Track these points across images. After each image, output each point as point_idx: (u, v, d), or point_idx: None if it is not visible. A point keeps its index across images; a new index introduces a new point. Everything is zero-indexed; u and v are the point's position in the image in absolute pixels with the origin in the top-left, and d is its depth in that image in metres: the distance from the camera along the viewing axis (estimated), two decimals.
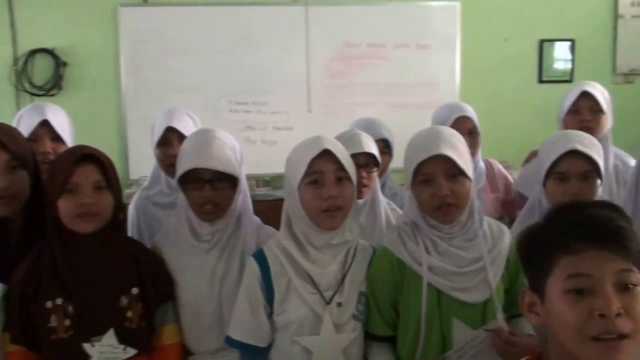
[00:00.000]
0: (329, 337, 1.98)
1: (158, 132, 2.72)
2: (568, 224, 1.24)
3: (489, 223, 2.09)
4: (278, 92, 4.97)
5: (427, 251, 2.01)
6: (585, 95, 2.96)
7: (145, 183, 2.87)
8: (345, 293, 2.01)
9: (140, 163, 4.63)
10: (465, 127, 3.05)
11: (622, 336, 1.16)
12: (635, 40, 5.62)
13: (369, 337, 2.07)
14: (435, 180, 1.97)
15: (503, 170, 3.27)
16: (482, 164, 3.15)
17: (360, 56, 5.06)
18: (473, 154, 3.06)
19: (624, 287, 1.18)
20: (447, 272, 1.98)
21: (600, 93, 2.97)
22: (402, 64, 5.11)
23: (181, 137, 2.65)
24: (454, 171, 1.96)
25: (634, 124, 5.22)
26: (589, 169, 2.19)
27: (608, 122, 2.95)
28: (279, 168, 2.23)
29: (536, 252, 1.28)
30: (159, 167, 2.75)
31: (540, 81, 5.53)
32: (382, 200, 2.60)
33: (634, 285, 1.19)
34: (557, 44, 5.53)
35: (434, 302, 1.97)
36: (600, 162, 2.20)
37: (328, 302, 2.00)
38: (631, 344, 1.17)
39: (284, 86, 4.97)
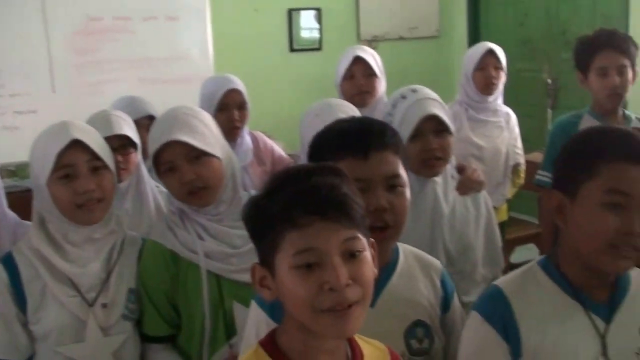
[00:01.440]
0: (96, 343, 1.82)
1: None
2: (291, 196, 1.20)
3: None
4: (16, 73, 4.51)
5: (200, 237, 1.91)
6: (358, 60, 3.06)
7: None
8: (111, 292, 1.87)
9: None
10: (236, 101, 3.00)
11: (352, 304, 1.17)
12: (376, 8, 5.93)
13: (147, 339, 1.94)
14: (179, 167, 1.87)
15: (269, 142, 3.27)
16: (248, 138, 3.12)
17: (105, 30, 4.75)
18: (241, 127, 3.03)
19: (350, 256, 1.18)
20: (224, 255, 1.91)
21: (372, 57, 3.08)
22: (152, 37, 4.89)
23: None
24: (195, 153, 1.87)
25: None
26: None
27: (382, 84, 3.07)
28: (24, 156, 2.01)
29: (262, 226, 1.24)
30: None
31: (292, 50, 5.64)
32: (149, 182, 2.45)
33: (360, 251, 1.19)
34: (305, 13, 5.66)
35: (215, 290, 1.89)
36: None
37: (91, 305, 1.83)
38: (360, 309, 1.18)
39: (22, 66, 4.51)
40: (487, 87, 3.20)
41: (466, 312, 2.02)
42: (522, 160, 3.41)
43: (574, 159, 1.46)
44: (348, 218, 1.19)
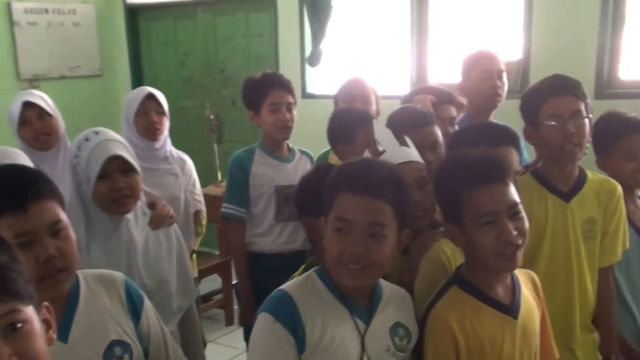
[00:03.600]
0: None
1: None
2: None
3: None
4: None
5: None
6: (29, 105, 3.01)
7: None
8: None
9: None
10: None
11: None
12: (35, 46, 5.72)
13: None
14: None
15: None
16: None
17: None
18: None
19: (12, 330, 1.10)
20: None
21: (41, 99, 3.04)
22: None
23: None
24: None
25: None
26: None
27: (60, 123, 3.04)
28: None
29: None
30: None
31: None
32: None
33: (22, 323, 1.12)
34: None
35: None
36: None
37: None
38: None
39: None
40: (149, 133, 3.06)
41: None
42: (202, 207, 3.33)
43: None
44: (3, 292, 1.10)
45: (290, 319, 1.59)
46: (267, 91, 2.96)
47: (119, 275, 1.77)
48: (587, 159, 2.43)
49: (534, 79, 4.18)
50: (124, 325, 1.69)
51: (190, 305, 2.36)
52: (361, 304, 1.68)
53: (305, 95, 5.31)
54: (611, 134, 2.47)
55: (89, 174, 2.08)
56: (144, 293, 1.80)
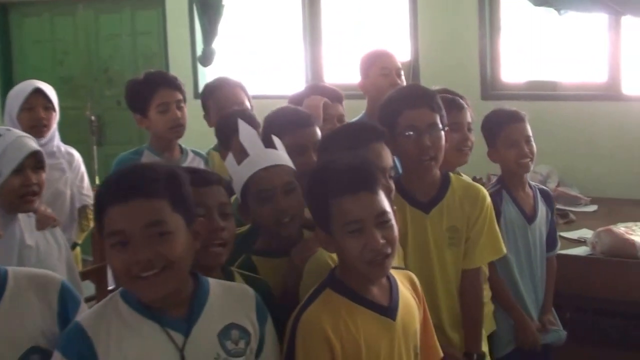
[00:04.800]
0: None
1: None
2: None
3: None
4: None
5: None
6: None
7: None
8: None
9: None
10: None
11: None
12: None
13: None
14: None
15: None
16: None
17: None
18: None
19: None
20: None
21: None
22: None
23: None
24: None
25: None
26: None
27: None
28: None
29: None
30: None
31: None
32: None
33: None
34: None
35: None
36: None
37: None
38: None
39: None
40: (35, 130, 2.94)
41: None
42: (90, 201, 3.25)
43: None
44: None
45: (82, 354, 1.46)
46: (152, 92, 2.81)
47: (56, 277, 1.71)
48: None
49: (425, 80, 4.29)
50: (47, 332, 1.60)
51: None
52: (177, 313, 1.52)
53: (198, 96, 5.08)
54: (494, 127, 2.66)
55: (1, 168, 2.11)
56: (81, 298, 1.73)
